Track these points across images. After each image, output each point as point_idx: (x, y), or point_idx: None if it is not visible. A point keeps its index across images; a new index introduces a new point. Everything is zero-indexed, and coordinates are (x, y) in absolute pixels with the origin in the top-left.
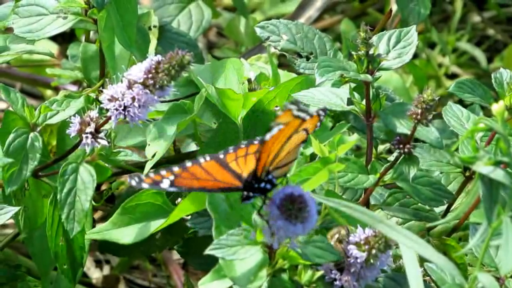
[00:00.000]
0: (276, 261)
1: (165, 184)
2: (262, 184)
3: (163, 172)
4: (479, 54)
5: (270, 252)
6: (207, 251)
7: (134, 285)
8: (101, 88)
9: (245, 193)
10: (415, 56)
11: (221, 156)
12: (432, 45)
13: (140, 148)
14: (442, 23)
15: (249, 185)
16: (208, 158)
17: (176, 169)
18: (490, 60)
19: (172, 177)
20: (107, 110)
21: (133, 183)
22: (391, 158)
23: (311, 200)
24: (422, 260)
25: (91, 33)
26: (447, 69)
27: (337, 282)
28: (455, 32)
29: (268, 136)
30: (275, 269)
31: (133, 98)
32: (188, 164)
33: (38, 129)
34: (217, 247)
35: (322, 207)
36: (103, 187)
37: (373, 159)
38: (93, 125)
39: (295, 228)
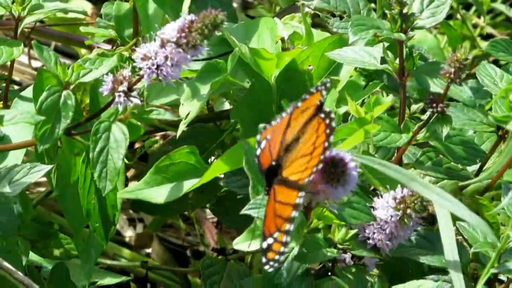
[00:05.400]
0: (311, 221)
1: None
2: None
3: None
4: None
5: (307, 213)
6: (244, 211)
7: (167, 244)
8: (134, 47)
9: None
10: (450, 17)
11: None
12: (467, 6)
13: (173, 106)
14: None
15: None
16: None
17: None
18: None
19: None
20: (140, 68)
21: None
22: (424, 117)
23: (351, 162)
24: (454, 219)
25: None
26: (482, 29)
27: (370, 241)
28: None
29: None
30: (309, 229)
31: (166, 57)
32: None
33: (71, 87)
34: (254, 207)
35: None
36: (136, 145)
37: (406, 118)
38: (125, 83)
39: (336, 191)
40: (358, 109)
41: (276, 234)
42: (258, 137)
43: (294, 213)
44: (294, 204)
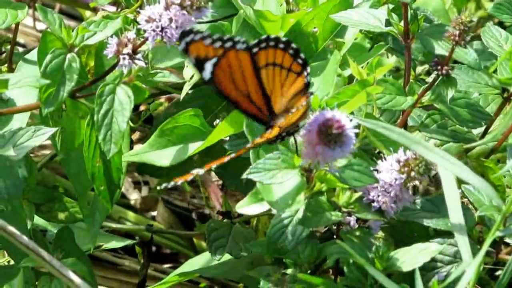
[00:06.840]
0: (313, 184)
1: (207, 72)
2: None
3: (208, 42)
4: None
5: (308, 176)
6: (245, 175)
7: (173, 206)
8: (138, 9)
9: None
10: None
11: (255, 50)
12: None
13: (178, 68)
14: None
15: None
16: (243, 46)
17: (218, 44)
18: None
19: (215, 60)
20: (145, 31)
21: (183, 45)
22: (429, 79)
23: (349, 123)
24: (459, 182)
25: None
26: None
27: (375, 204)
28: None
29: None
30: (312, 192)
31: (170, 19)
32: (228, 44)
33: (76, 50)
34: (255, 171)
35: (360, 129)
36: (142, 108)
37: (411, 80)
38: (130, 46)
39: (333, 152)
40: (360, 70)
41: None
42: (182, 45)
43: None
44: None
